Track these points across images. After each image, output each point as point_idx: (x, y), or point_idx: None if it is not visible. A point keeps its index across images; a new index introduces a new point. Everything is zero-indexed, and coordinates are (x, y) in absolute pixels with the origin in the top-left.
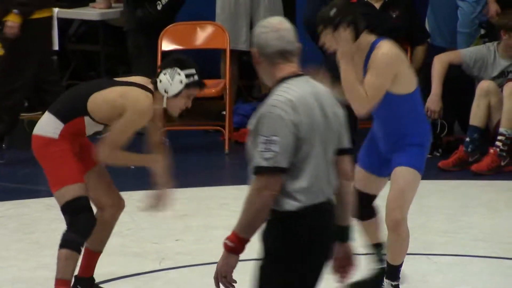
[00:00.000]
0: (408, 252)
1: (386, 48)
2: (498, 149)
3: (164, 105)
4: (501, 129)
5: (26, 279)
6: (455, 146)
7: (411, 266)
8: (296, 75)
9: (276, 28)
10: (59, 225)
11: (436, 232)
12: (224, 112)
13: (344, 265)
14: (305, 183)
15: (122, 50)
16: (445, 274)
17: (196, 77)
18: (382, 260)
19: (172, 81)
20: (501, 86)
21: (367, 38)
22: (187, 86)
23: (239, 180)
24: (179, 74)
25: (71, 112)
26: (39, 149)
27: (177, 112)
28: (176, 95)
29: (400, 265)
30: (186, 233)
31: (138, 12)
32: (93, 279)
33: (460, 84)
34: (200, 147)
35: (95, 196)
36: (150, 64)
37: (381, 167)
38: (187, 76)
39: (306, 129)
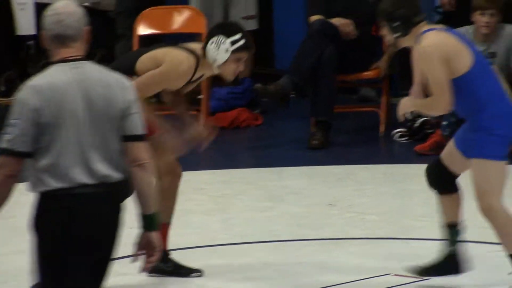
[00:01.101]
0: (385, 236)
1: (425, 41)
2: None
3: (216, 72)
4: None
5: (4, 263)
6: (433, 130)
7: (388, 250)
8: (64, 61)
9: (57, 11)
10: None
11: (414, 217)
12: (200, 96)
13: (146, 254)
14: (50, 167)
15: (102, 33)
16: (423, 259)
17: (242, 42)
18: (454, 242)
19: (218, 50)
20: None
21: (419, 30)
22: (234, 52)
23: (215, 164)
24: (224, 42)
25: (120, 73)
26: None
27: (232, 76)
28: (225, 63)
29: None
30: None
31: None
32: (168, 252)
33: None
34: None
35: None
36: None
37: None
38: (232, 42)
39: (51, 114)
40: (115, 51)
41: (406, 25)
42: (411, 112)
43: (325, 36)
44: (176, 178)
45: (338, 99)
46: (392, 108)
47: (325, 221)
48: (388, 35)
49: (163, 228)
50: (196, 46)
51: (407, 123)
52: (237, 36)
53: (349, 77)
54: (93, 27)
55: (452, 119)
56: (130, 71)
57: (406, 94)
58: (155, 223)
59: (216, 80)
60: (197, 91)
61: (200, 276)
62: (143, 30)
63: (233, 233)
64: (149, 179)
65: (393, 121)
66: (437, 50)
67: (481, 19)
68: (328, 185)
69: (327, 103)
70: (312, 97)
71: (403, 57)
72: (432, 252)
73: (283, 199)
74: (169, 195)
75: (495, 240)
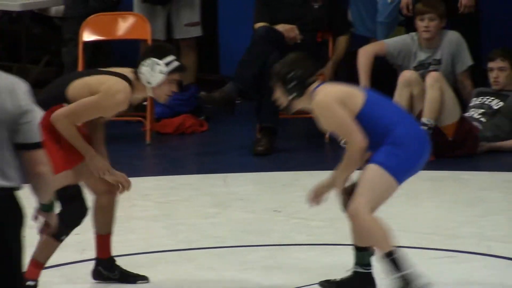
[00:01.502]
0: (330, 242)
1: (318, 96)
2: None
3: (150, 94)
4: (423, 119)
5: None
6: None
7: (334, 256)
8: None
9: None
10: None
11: None
12: (145, 103)
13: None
14: None
15: (48, 39)
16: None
17: (175, 63)
18: (367, 263)
19: (153, 72)
20: (423, 76)
21: (311, 89)
22: (168, 73)
23: (161, 171)
24: (159, 64)
25: (51, 100)
26: None
27: (165, 99)
28: (160, 85)
29: (391, 253)
30: None
31: (91, 1)
32: (113, 259)
33: (382, 74)
34: (121, 138)
35: (88, 183)
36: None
37: None
38: (166, 64)
39: None
40: (61, 56)
41: (301, 86)
42: None
43: (270, 42)
44: (113, 195)
45: None
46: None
47: (270, 227)
48: (282, 98)
49: (106, 238)
50: (126, 70)
51: None
52: (170, 58)
53: None
54: (39, 32)
55: None
56: (61, 97)
57: None
58: (52, 207)
59: None
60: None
61: (146, 282)
62: (88, 36)
63: (179, 239)
64: (46, 187)
65: None
66: (331, 97)
67: (421, 24)
68: (274, 191)
69: (272, 109)
70: (257, 104)
71: (349, 63)
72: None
73: (228, 205)
74: (108, 210)
75: (439, 246)
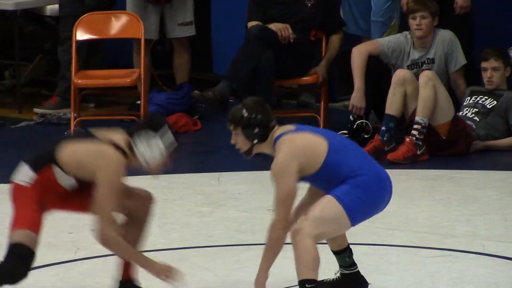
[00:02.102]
0: (323, 242)
1: (280, 155)
2: (414, 138)
3: (145, 167)
4: (417, 118)
5: None
6: (372, 135)
7: (326, 255)
8: None
9: None
10: None
11: None
12: (138, 102)
13: None
14: None
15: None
16: (361, 263)
17: (171, 137)
18: (350, 263)
19: (151, 150)
20: (416, 75)
21: (274, 135)
22: (166, 147)
23: None
24: (155, 137)
25: (39, 160)
26: (10, 193)
27: (161, 170)
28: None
29: (310, 282)
30: None
31: (87, 0)
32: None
33: (375, 72)
34: None
35: (120, 207)
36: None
37: None
38: (163, 139)
39: None
40: (57, 55)
41: (264, 131)
42: (352, 115)
43: (263, 41)
44: (150, 204)
45: (278, 104)
46: (331, 113)
47: (264, 226)
48: (243, 143)
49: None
50: (119, 137)
51: (348, 125)
52: (164, 128)
53: (287, 83)
54: (32, 31)
55: (390, 125)
56: (49, 159)
57: (345, 99)
58: None
59: (155, 86)
60: (135, 96)
61: None
62: (81, 35)
63: (173, 238)
64: None
65: (332, 126)
66: (291, 157)
67: (413, 22)
68: (268, 190)
69: None
70: None
71: (342, 62)
72: (372, 256)
73: (222, 204)
74: (142, 225)
75: (433, 245)
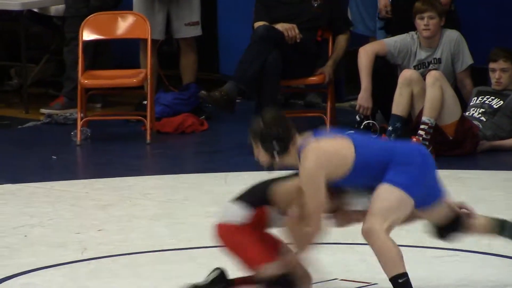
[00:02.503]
0: (331, 241)
1: (307, 162)
2: (420, 138)
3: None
4: (424, 118)
5: None
6: (379, 135)
7: (334, 255)
8: None
9: None
10: None
11: None
12: (145, 102)
13: None
14: None
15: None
16: (368, 263)
17: None
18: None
19: None
20: (423, 75)
21: (296, 145)
22: None
23: (161, 170)
24: None
25: (256, 201)
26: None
27: None
28: None
29: (400, 276)
30: (109, 223)
31: (92, 0)
32: None
33: (382, 72)
34: (122, 137)
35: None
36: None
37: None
38: None
39: None
40: (63, 55)
41: (283, 144)
42: (358, 115)
43: (270, 41)
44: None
45: (285, 104)
46: (337, 113)
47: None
48: (263, 157)
49: None
50: None
51: (355, 125)
52: None
53: (294, 83)
54: (38, 32)
55: (397, 125)
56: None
57: (352, 99)
58: None
59: (161, 86)
60: (142, 96)
61: None
62: (87, 35)
63: (180, 238)
64: None
65: (339, 126)
66: (320, 164)
67: (421, 22)
68: None
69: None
70: (256, 102)
71: (348, 63)
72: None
73: None
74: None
75: (440, 245)
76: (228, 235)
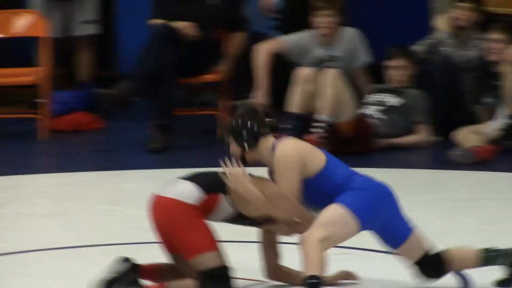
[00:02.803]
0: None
1: (283, 149)
2: (317, 136)
3: None
4: (320, 116)
5: None
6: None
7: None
8: None
9: None
10: None
11: None
12: (39, 100)
13: None
14: None
15: None
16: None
17: None
18: None
19: None
20: (319, 72)
21: (268, 141)
22: None
23: (56, 167)
24: None
25: (211, 185)
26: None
27: None
28: None
29: (316, 277)
30: (2, 221)
31: None
32: None
33: (279, 70)
34: (17, 135)
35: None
36: None
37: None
38: None
39: None
40: None
41: (253, 135)
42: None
43: (166, 39)
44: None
45: (181, 102)
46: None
47: None
48: (235, 150)
49: None
50: None
51: None
52: None
53: (190, 80)
54: None
55: (293, 122)
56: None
57: (247, 97)
58: None
59: (57, 84)
60: (36, 94)
61: None
62: None
63: (74, 236)
64: None
65: None
66: (297, 152)
67: (319, 20)
68: None
69: (167, 106)
70: (152, 101)
71: (244, 61)
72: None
73: (123, 202)
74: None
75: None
76: (173, 211)
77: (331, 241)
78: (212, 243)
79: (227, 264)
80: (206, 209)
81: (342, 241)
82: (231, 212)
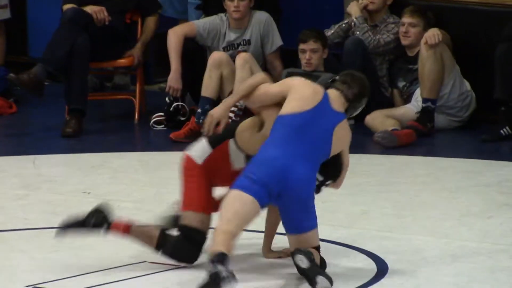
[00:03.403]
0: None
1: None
2: (230, 120)
3: None
4: None
5: None
6: (188, 117)
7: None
8: None
9: None
10: None
11: (168, 204)
12: None
13: None
14: None
15: None
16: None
17: None
18: None
19: None
20: (232, 57)
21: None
22: None
23: None
24: None
25: (219, 137)
26: (181, 166)
27: None
28: None
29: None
30: None
31: None
32: None
33: (192, 54)
34: None
35: None
36: None
37: None
38: None
39: None
40: None
41: None
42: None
43: (78, 24)
44: None
45: (100, 87)
46: (147, 96)
47: (80, 208)
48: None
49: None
50: None
51: (164, 107)
52: None
53: (103, 65)
54: None
55: (207, 107)
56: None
57: (161, 82)
58: None
59: None
60: None
61: None
62: None
63: None
64: None
65: (148, 109)
66: (294, 84)
67: (230, 4)
68: (83, 173)
69: (80, 91)
70: (65, 85)
71: (158, 45)
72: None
73: (38, 187)
74: None
75: None
76: (187, 169)
77: (240, 226)
78: (199, 205)
79: (202, 230)
80: (224, 156)
81: (249, 222)
82: (243, 157)
